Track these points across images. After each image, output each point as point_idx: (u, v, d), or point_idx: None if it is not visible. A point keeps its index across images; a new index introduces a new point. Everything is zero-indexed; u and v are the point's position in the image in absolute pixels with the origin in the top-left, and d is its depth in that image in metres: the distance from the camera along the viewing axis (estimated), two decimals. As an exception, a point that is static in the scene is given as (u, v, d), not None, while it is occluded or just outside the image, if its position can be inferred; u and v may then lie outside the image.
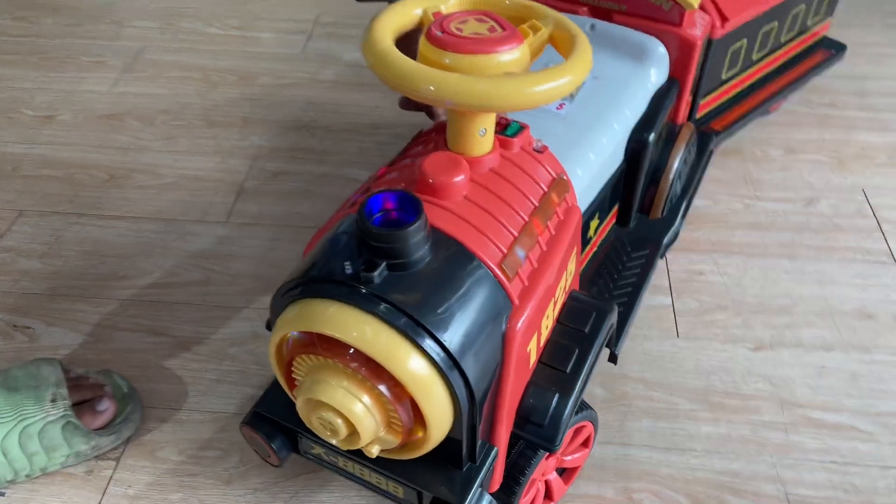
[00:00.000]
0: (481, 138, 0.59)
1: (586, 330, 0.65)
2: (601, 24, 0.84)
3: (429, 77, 0.51)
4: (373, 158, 1.14)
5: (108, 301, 0.93)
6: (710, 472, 0.76)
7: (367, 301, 0.50)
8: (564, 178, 0.66)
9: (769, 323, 0.91)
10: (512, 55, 0.54)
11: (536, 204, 0.61)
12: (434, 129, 0.67)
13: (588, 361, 0.63)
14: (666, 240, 0.88)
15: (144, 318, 0.90)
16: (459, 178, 0.56)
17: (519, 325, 0.55)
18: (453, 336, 0.51)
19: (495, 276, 0.55)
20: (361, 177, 1.10)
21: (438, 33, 0.54)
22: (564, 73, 0.52)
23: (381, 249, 0.51)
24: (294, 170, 1.12)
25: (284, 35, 1.41)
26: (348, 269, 0.52)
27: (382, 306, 0.50)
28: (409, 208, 0.53)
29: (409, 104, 0.82)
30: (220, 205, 1.06)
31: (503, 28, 0.55)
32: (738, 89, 1.04)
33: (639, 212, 0.88)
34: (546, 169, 0.64)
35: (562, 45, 0.58)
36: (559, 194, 0.64)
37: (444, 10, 0.61)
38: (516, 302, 0.56)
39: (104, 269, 0.97)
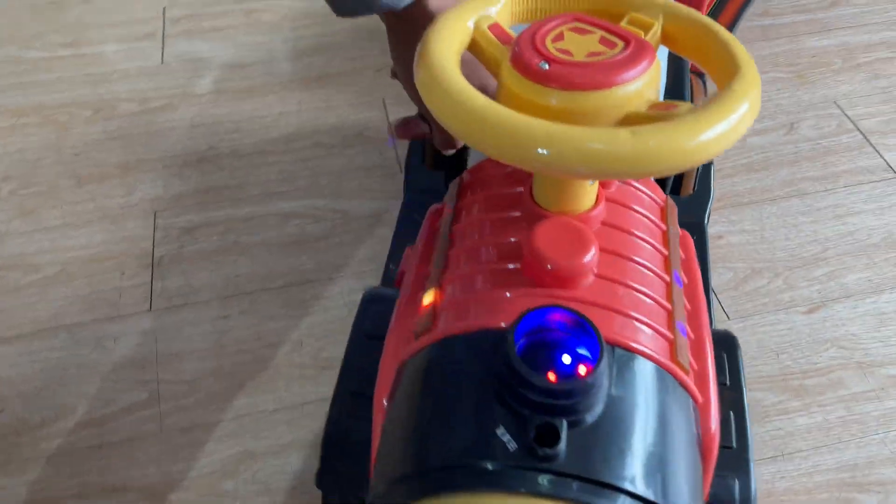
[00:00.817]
0: (590, 188, 0.43)
1: (727, 381, 0.52)
2: None
3: (559, 137, 0.33)
4: (303, 181, 0.93)
5: (28, 464, 0.69)
6: (827, 471, 0.68)
7: (556, 486, 0.34)
8: (670, 200, 0.51)
9: (809, 277, 0.82)
10: (648, 78, 0.37)
11: (664, 250, 0.46)
12: (490, 178, 0.50)
13: (747, 423, 0.50)
14: (706, 218, 0.76)
15: (89, 474, 0.68)
16: (591, 257, 0.40)
17: (713, 426, 0.42)
18: (664, 486, 0.36)
19: (674, 375, 0.40)
20: (297, 209, 0.90)
21: (542, 64, 0.37)
22: (741, 98, 0.36)
23: (548, 406, 0.35)
24: (210, 218, 0.89)
25: (131, 43, 1.13)
26: (510, 442, 0.35)
27: (575, 485, 0.34)
28: (568, 326, 0.36)
29: (408, 131, 0.62)
30: (133, 289, 0.82)
31: (619, 37, 0.38)
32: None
33: (670, 194, 0.75)
34: (649, 195, 0.49)
35: (684, 43, 0.42)
36: (674, 223, 0.49)
37: (496, 15, 0.43)
38: (699, 397, 0.42)
39: (7, 420, 0.72)
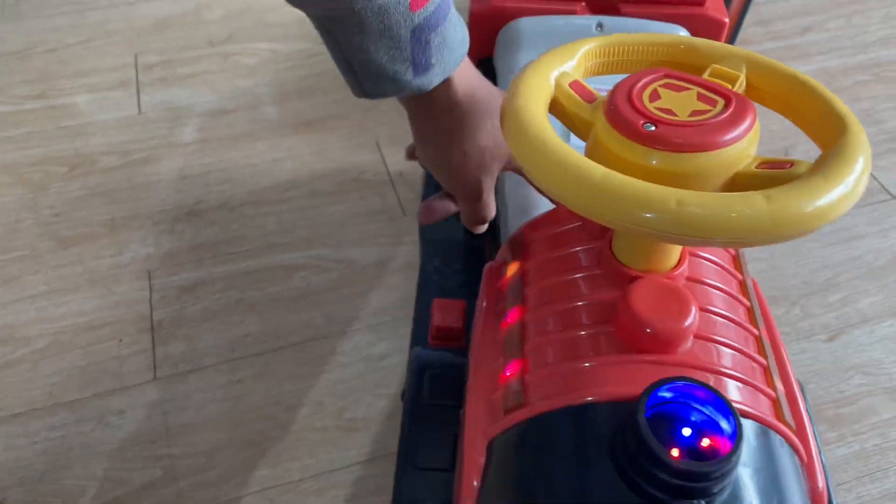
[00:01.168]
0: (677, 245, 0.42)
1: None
2: (609, 21, 0.67)
3: (692, 204, 0.31)
4: (302, 231, 0.89)
5: (39, 560, 0.63)
6: (872, 501, 0.67)
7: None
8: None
9: (825, 303, 0.83)
10: (754, 136, 0.36)
11: (746, 301, 0.45)
12: (557, 235, 0.47)
13: (828, 477, 0.49)
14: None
15: (108, 566, 0.63)
16: (692, 320, 0.38)
17: (820, 484, 0.40)
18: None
19: (782, 435, 0.39)
20: (300, 261, 0.86)
21: (648, 126, 0.35)
22: (859, 154, 0.34)
23: (687, 489, 0.32)
24: (209, 275, 0.85)
25: (104, 93, 1.08)
26: (644, 528, 0.33)
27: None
28: (697, 399, 0.34)
29: (433, 214, 0.58)
30: (134, 357, 0.77)
31: (717, 94, 0.37)
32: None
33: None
34: (719, 246, 0.48)
35: (772, 96, 0.41)
36: (747, 272, 0.48)
37: (573, 71, 0.41)
38: (804, 455, 0.40)
39: (9, 511, 0.66)
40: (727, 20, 0.68)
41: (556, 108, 0.40)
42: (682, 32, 0.67)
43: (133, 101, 1.06)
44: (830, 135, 0.37)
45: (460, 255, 0.77)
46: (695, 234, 0.31)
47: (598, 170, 0.33)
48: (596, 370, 0.39)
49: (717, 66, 0.40)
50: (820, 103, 0.38)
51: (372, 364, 0.77)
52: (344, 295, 0.83)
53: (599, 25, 0.67)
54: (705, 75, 0.40)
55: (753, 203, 0.31)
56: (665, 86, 0.38)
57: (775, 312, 0.82)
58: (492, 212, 0.56)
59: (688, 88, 0.37)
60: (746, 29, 1.18)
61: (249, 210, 0.92)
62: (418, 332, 0.69)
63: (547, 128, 0.36)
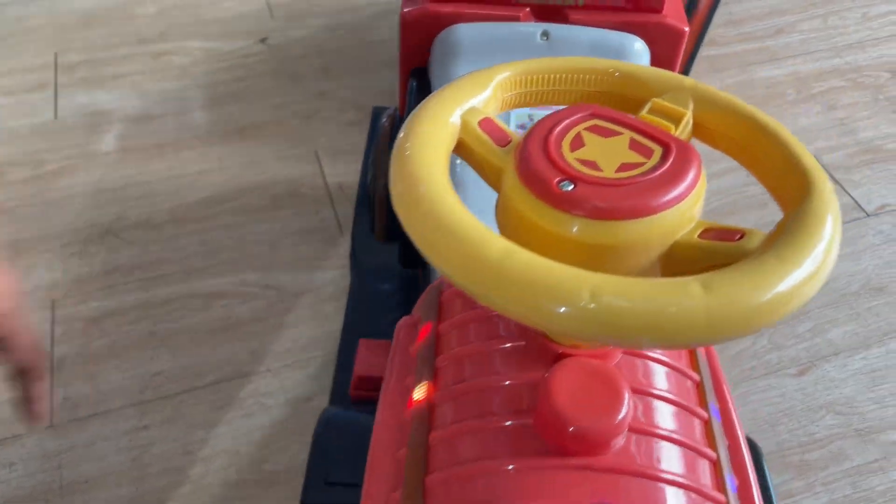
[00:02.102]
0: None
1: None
2: (556, 29, 0.60)
3: (610, 293, 0.24)
4: (228, 252, 0.81)
5: None
6: (842, 563, 0.61)
7: None
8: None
9: (795, 334, 0.76)
10: (697, 196, 0.29)
11: (694, 375, 0.38)
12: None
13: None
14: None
15: None
16: (624, 414, 0.31)
17: None
18: None
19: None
20: (224, 287, 0.78)
21: (564, 185, 0.27)
22: (816, 233, 0.27)
23: None
24: (121, 305, 0.76)
25: (18, 96, 0.98)
26: None
27: None
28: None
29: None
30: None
31: (654, 140, 0.30)
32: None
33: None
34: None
35: (726, 139, 0.34)
36: (697, 367, 0.41)
37: (483, 106, 0.33)
38: None
39: None
40: (687, 29, 0.61)
41: (463, 150, 0.33)
42: (638, 44, 0.60)
43: (50, 105, 0.97)
44: (792, 194, 0.30)
45: (395, 286, 0.70)
46: (612, 335, 0.24)
47: (495, 245, 0.25)
48: (510, 477, 0.32)
49: (659, 100, 0.33)
50: (782, 153, 0.31)
51: (299, 406, 0.70)
52: (270, 326, 0.75)
53: (545, 34, 0.60)
54: (644, 112, 0.33)
55: (688, 293, 0.24)
56: (591, 129, 0.30)
57: (742, 345, 0.75)
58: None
59: (618, 133, 0.30)
60: (715, 29, 1.11)
61: (171, 229, 0.83)
62: (340, 380, 0.62)
63: (439, 184, 0.28)
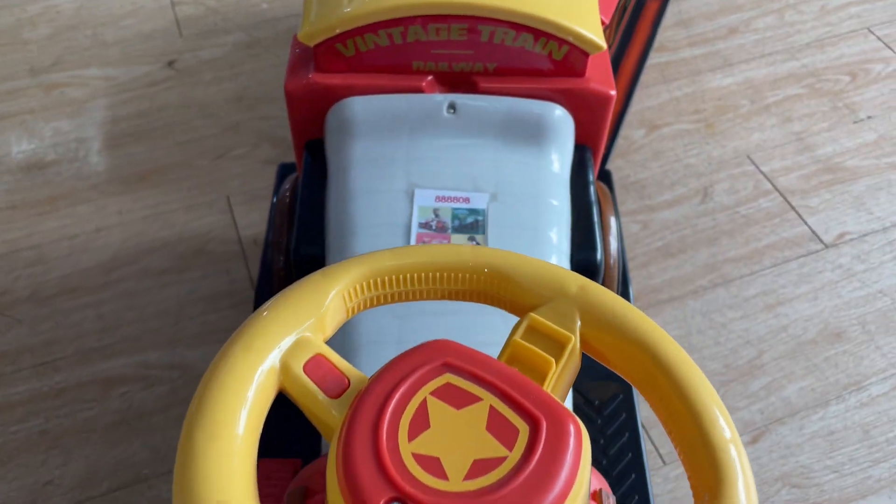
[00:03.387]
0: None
1: None
2: (464, 100, 0.52)
3: None
4: (127, 327, 0.73)
5: None
6: None
7: None
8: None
9: (748, 393, 0.71)
10: (581, 490, 0.22)
11: None
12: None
13: None
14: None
15: None
16: None
17: None
18: None
19: None
20: (123, 370, 0.70)
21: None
22: None
23: None
24: (7, 399, 0.68)
25: None
26: None
27: None
28: None
29: None
30: None
31: (519, 410, 0.23)
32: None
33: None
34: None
35: (621, 365, 0.27)
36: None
37: (314, 334, 0.26)
38: None
39: None
40: (614, 93, 0.53)
41: (289, 396, 0.25)
42: (558, 111, 0.52)
43: (-72, 155, 0.87)
44: (701, 473, 0.23)
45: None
46: None
47: None
48: None
49: (539, 317, 0.26)
50: (688, 408, 0.24)
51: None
52: (175, 417, 0.68)
53: (451, 106, 0.52)
54: (517, 335, 0.25)
55: None
56: (442, 392, 0.23)
57: (690, 408, 0.70)
58: None
59: (475, 399, 0.23)
60: (664, 32, 1.02)
61: (64, 301, 0.75)
62: None
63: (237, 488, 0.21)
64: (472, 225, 0.48)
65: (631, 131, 0.92)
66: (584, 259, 0.51)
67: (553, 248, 0.49)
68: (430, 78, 0.52)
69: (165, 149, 0.88)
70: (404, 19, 0.49)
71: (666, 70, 0.99)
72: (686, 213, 0.84)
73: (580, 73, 0.52)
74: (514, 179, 0.51)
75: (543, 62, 0.51)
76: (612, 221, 0.63)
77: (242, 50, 1.00)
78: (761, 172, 0.88)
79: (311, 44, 0.50)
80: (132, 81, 0.95)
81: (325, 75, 0.52)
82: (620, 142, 0.90)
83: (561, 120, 0.53)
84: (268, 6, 1.06)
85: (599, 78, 0.53)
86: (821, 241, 0.82)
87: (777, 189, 0.87)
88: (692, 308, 0.76)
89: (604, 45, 0.50)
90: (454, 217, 0.49)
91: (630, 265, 0.80)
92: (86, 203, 0.83)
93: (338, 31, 0.49)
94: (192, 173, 0.86)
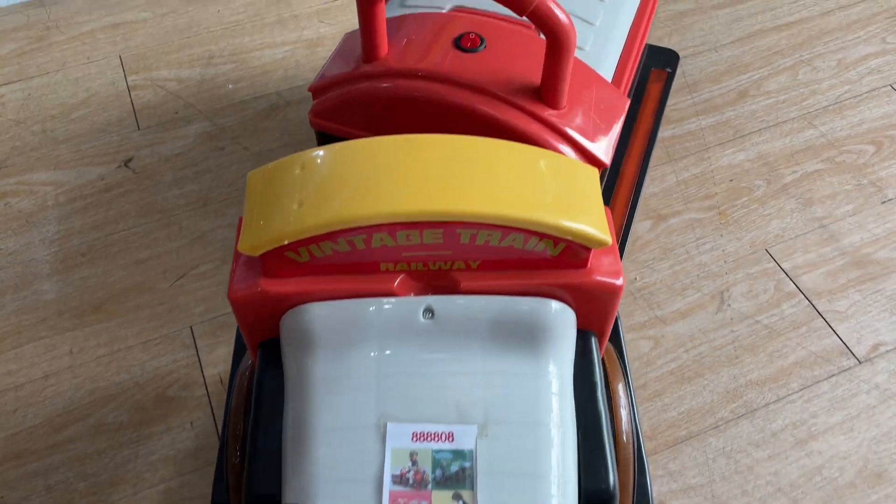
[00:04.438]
0: None
1: None
2: (443, 304, 0.43)
3: None
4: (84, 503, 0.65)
5: None
6: None
7: None
8: None
9: (781, 554, 0.63)
10: None
11: None
12: None
13: None
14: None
15: None
16: None
17: None
18: None
19: None
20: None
21: None
22: None
23: None
24: None
25: None
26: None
27: None
28: None
29: None
30: None
31: None
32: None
33: None
34: None
35: None
36: None
37: None
38: None
39: None
40: (622, 282, 0.44)
41: None
42: (555, 306, 0.44)
43: None
44: None
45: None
46: None
47: None
48: None
49: None
50: None
51: None
52: None
53: (429, 311, 0.43)
54: None
55: None
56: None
57: (717, 576, 0.62)
58: None
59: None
60: (668, 99, 0.93)
61: (10, 470, 0.67)
62: None
63: None
64: (457, 475, 0.40)
65: (636, 224, 0.83)
66: (595, 490, 0.43)
67: (557, 496, 0.40)
68: (402, 277, 0.44)
69: (123, 268, 0.80)
70: (367, 227, 0.40)
71: (672, 147, 0.90)
72: (702, 325, 0.76)
73: (581, 265, 0.43)
74: (506, 401, 0.42)
75: (537, 257, 0.43)
76: (621, 389, 0.55)
77: (206, 142, 0.91)
78: (782, 270, 0.80)
79: (256, 255, 0.41)
80: (85, 186, 0.87)
81: (275, 281, 0.43)
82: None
83: (559, 316, 0.44)
84: (233, 87, 0.97)
85: (604, 266, 0.44)
86: (853, 354, 0.74)
87: (801, 290, 0.78)
88: (714, 447, 0.68)
89: (609, 239, 0.41)
90: (435, 465, 0.40)
91: (642, 394, 0.71)
92: (34, 343, 0.75)
93: (286, 242, 0.40)
94: (152, 299, 0.78)
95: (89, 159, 0.89)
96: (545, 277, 0.44)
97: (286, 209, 0.40)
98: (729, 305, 0.77)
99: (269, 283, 0.43)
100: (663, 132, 0.91)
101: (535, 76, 0.53)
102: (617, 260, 0.45)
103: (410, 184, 0.40)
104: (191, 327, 0.76)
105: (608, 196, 0.81)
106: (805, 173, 0.88)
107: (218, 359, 0.73)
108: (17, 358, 0.74)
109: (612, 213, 0.81)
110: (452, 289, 0.44)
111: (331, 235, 0.40)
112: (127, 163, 0.89)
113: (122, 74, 0.98)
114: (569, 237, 0.41)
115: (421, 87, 0.53)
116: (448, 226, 0.40)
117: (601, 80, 0.56)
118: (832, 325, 0.76)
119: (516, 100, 0.52)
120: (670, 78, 0.84)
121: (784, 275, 0.79)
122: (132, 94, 0.96)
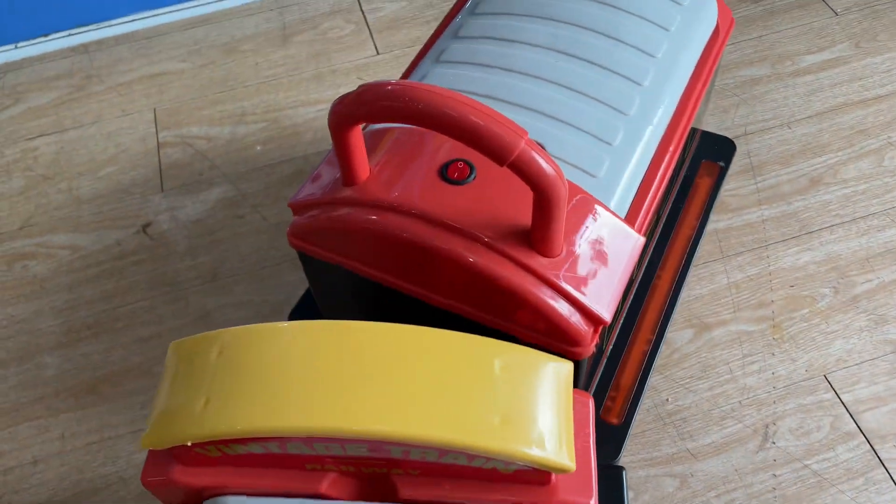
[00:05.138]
0: None
1: None
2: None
3: None
4: None
5: None
6: None
7: None
8: None
9: None
10: None
11: None
12: None
13: None
14: None
15: None
16: None
17: None
18: None
19: None
20: None
21: None
22: None
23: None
24: None
25: None
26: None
27: None
28: None
29: None
30: None
31: None
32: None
33: None
34: None
35: None
36: None
37: None
38: None
39: None
40: (594, 502, 0.37)
41: None
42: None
43: None
44: None
45: None
46: None
47: None
48: None
49: None
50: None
51: None
52: None
53: (360, 521, 0.37)
54: None
55: None
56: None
57: None
58: None
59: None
60: (728, 180, 0.83)
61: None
62: None
63: None
64: None
65: (674, 333, 0.74)
66: None
67: None
68: (332, 476, 0.38)
69: (124, 347, 0.77)
70: (278, 437, 0.34)
71: (725, 240, 0.80)
72: (739, 465, 0.66)
73: (543, 482, 0.36)
74: None
75: (487, 474, 0.36)
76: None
77: (226, 209, 0.87)
78: (842, 403, 0.69)
79: (158, 448, 0.36)
80: (101, 252, 0.85)
81: (190, 471, 0.38)
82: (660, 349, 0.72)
83: (517, 536, 0.37)
84: (262, 149, 0.93)
85: (572, 483, 0.37)
86: (920, 518, 0.63)
87: (862, 431, 0.67)
88: None
89: (572, 465, 0.34)
90: None
91: (659, 545, 0.63)
92: (29, 422, 0.73)
93: (189, 443, 0.35)
94: (147, 384, 0.74)
95: (109, 222, 0.87)
96: (500, 492, 0.37)
97: (191, 405, 0.35)
98: (773, 443, 0.67)
99: (182, 473, 0.38)
100: (718, 223, 0.81)
101: (527, 216, 0.46)
102: (589, 473, 0.37)
103: (331, 391, 0.34)
104: (183, 419, 0.72)
105: (640, 298, 0.72)
106: (882, 283, 0.76)
107: (205, 457, 0.69)
108: (11, 438, 0.72)
109: (644, 318, 0.72)
110: (391, 496, 0.38)
111: (238, 440, 0.35)
112: (145, 228, 0.86)
113: (154, 130, 0.96)
114: (519, 463, 0.34)
115: (398, 224, 0.47)
116: (373, 441, 0.34)
117: (609, 216, 0.48)
118: (893, 474, 0.65)
119: (503, 246, 0.45)
120: (723, 173, 0.74)
121: (843, 409, 0.69)
122: (161, 151, 0.94)
